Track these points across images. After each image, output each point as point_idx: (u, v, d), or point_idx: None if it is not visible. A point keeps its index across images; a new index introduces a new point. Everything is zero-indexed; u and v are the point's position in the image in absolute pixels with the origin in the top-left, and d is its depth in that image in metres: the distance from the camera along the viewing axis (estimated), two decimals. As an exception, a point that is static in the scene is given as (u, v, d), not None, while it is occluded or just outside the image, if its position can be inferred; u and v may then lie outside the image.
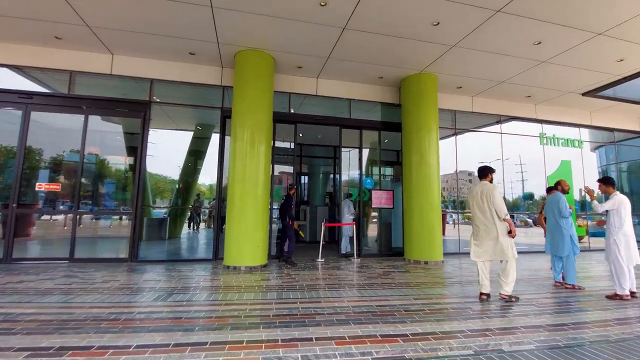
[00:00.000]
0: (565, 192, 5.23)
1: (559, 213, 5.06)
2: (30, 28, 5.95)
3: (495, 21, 5.42)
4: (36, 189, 6.76)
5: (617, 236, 4.44)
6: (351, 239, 8.23)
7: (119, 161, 8.43)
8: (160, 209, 9.43)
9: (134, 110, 7.07)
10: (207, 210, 9.80)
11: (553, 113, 9.96)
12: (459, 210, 9.93)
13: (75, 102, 6.84)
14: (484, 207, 4.37)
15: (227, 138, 7.32)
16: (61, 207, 7.01)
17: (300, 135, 12.09)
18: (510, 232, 4.25)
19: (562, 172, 10.10)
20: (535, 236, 11.86)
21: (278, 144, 8.07)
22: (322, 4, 5.03)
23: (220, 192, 7.26)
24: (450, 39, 6.06)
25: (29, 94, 6.65)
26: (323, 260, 7.28)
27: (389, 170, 9.57)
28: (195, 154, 9.33)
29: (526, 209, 11.82)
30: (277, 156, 8.44)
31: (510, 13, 5.20)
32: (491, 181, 4.57)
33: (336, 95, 8.09)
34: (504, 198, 10.27)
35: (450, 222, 9.96)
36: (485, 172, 4.57)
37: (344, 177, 10.09)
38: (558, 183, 5.33)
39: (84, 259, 6.53)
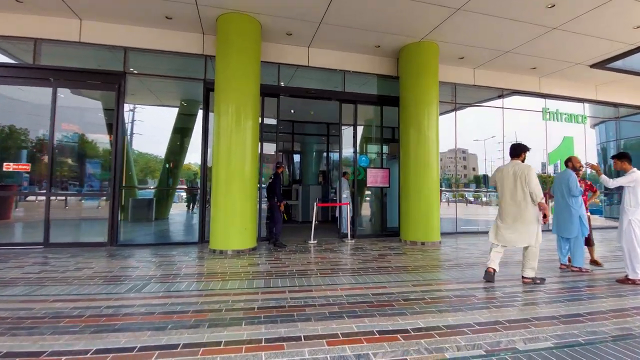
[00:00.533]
0: (576, 169, 4.86)
1: (569, 191, 4.70)
2: (-19, -14, 5.23)
3: (506, -22, 4.85)
4: (3, 169, 6.21)
5: (635, 217, 4.11)
6: (352, 219, 7.89)
7: (104, 140, 7.88)
8: (148, 190, 8.95)
9: (107, 82, 6.44)
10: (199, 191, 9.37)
11: (557, 87, 9.47)
12: (455, 190, 9.60)
13: (42, 73, 6.19)
14: (515, 189, 4.05)
15: (212, 115, 6.76)
16: (39, 189, 6.49)
17: (292, 111, 11.53)
18: (545, 216, 4.00)
19: (564, 148, 9.78)
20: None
21: (269, 120, 7.52)
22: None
23: (205, 172, 6.78)
24: (455, 1, 5.46)
25: (-13, 64, 5.98)
26: (315, 241, 6.94)
27: (384, 148, 9.13)
28: (182, 132, 8.75)
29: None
30: (270, 134, 7.92)
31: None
32: (524, 160, 4.22)
33: (329, 66, 7.49)
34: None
35: (444, 201, 9.65)
36: (518, 151, 4.23)
37: (338, 156, 9.63)
38: (569, 159, 4.94)
39: (60, 244, 6.10)
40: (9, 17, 6.00)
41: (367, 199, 9.23)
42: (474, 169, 11.83)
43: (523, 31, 6.48)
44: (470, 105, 8.91)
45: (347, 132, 8.01)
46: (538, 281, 4.12)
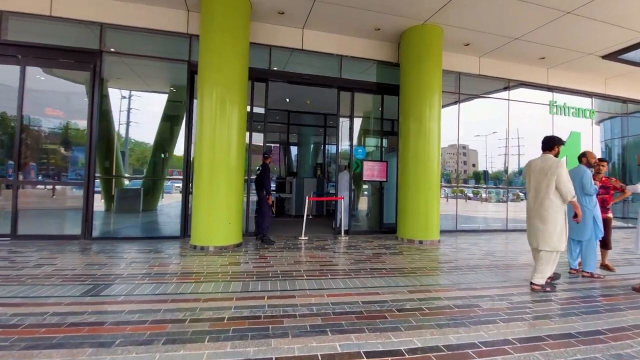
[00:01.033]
0: (591, 165, 4.41)
1: (582, 189, 4.26)
2: None
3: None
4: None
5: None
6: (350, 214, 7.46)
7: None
8: (136, 179, 8.48)
9: (82, 61, 5.92)
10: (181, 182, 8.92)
11: (566, 79, 8.99)
12: (455, 185, 9.16)
13: (8, 50, 5.65)
14: (541, 185, 3.70)
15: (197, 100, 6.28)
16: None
17: (288, 100, 11.02)
18: (575, 215, 3.65)
19: (571, 144, 9.33)
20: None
21: (262, 109, 7.02)
22: None
23: (188, 162, 6.31)
24: (463, -23, 4.96)
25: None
26: (307, 238, 6.50)
27: (384, 142, 8.68)
28: (172, 120, 8.25)
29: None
30: (265, 123, 7.42)
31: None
32: (557, 155, 3.84)
33: (325, 50, 6.97)
34: (502, 171, 9.58)
35: (443, 196, 9.22)
36: (551, 144, 3.82)
37: (334, 148, 9.17)
38: (583, 154, 4.49)
39: (29, 236, 5.64)
40: (-29, -13, 5.45)
41: (365, 193, 8.81)
42: (474, 165, 11.44)
43: (535, 15, 5.98)
44: (474, 96, 8.42)
45: (345, 124, 7.54)
46: (548, 289, 3.71)
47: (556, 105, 9.14)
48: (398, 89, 7.07)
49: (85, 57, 5.89)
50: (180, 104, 7.50)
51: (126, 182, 8.57)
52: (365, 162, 7.32)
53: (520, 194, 14.14)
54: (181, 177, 6.47)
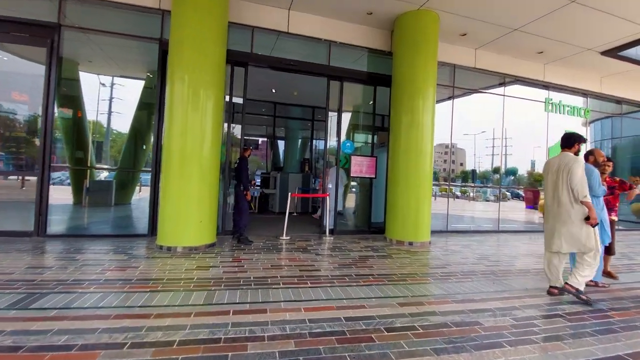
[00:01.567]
0: (598, 165, 4.04)
1: (589, 190, 3.87)
2: None
3: None
4: None
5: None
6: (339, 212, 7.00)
7: (63, 114, 6.76)
8: (103, 170, 7.83)
9: (37, 35, 5.23)
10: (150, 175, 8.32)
11: (562, 76, 8.68)
12: (447, 183, 8.81)
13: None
14: (557, 183, 3.52)
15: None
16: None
17: (274, 91, 10.45)
18: (587, 218, 3.32)
19: (566, 143, 9.07)
20: (528, 213, 11.04)
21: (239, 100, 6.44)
22: None
23: (158, 152, 5.71)
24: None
25: None
26: (288, 237, 6.00)
27: (375, 138, 8.25)
28: (148, 108, 7.60)
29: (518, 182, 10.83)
30: (252, 116, 6.86)
31: None
32: (577, 153, 3.61)
33: (313, 34, 6.43)
34: (494, 170, 9.26)
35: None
36: (571, 141, 3.59)
37: (323, 143, 8.66)
38: (591, 152, 4.11)
39: (-28, 232, 4.97)
40: None
41: (353, 190, 8.36)
42: (461, 164, 11.20)
43: (537, 2, 5.57)
44: (469, 90, 8.02)
45: (335, 118, 7.04)
46: (584, 298, 3.37)
47: (552, 103, 8.84)
48: (390, 79, 6.59)
49: (41, 32, 5.20)
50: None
51: (105, 173, 7.94)
52: (353, 157, 6.84)
53: (507, 193, 13.99)
54: (150, 169, 5.85)
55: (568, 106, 9.05)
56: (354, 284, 3.63)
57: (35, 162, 5.34)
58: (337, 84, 6.73)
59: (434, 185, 7.91)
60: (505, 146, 8.98)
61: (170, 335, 2.27)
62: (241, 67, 6.05)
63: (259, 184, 12.40)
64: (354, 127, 8.22)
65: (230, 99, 6.07)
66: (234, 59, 5.88)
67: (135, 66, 7.11)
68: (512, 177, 10.47)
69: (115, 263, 3.97)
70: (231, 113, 6.59)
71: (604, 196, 4.21)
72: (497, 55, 7.88)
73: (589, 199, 3.34)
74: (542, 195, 10.11)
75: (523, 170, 10.60)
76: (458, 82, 7.73)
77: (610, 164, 4.39)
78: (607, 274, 4.45)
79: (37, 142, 5.37)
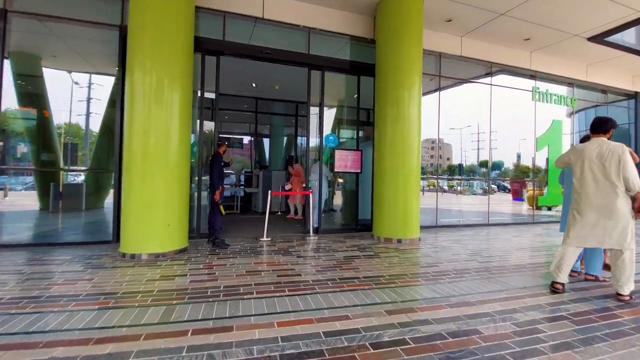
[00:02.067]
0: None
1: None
2: None
3: None
4: None
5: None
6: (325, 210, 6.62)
7: (28, 114, 6.20)
8: (75, 172, 7.25)
9: (-22, 21, 4.66)
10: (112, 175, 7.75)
11: (549, 64, 8.51)
12: (436, 177, 8.52)
13: None
14: (602, 173, 3.14)
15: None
16: None
17: (254, 85, 9.99)
18: (638, 210, 3.06)
19: (553, 132, 8.92)
20: (515, 205, 10.90)
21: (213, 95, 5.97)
22: None
23: (121, 150, 5.21)
24: None
25: None
26: (269, 239, 5.59)
27: (360, 133, 7.91)
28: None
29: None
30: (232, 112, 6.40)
31: None
32: (610, 139, 3.25)
33: (291, 20, 6.01)
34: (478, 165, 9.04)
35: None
36: (605, 126, 3.27)
37: (305, 138, 8.25)
38: (587, 137, 3.83)
39: None
40: None
41: (338, 186, 7.99)
42: (448, 158, 11.02)
43: (525, -16, 5.31)
44: (456, 80, 7.75)
45: (318, 112, 6.65)
46: (628, 298, 3.13)
47: (539, 92, 8.66)
48: (374, 68, 6.23)
49: (-18, 17, 4.64)
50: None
51: (83, 176, 7.37)
52: (337, 151, 6.47)
53: (493, 185, 13.88)
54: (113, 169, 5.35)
55: (555, 95, 8.90)
56: (338, 289, 3.26)
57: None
58: (318, 74, 6.34)
59: (422, 179, 7.61)
60: (491, 140, 8.78)
61: (108, 368, 1.85)
62: (213, 55, 5.58)
63: (242, 183, 11.93)
64: (338, 122, 7.84)
65: (202, 92, 5.61)
66: (205, 47, 5.42)
67: (104, 60, 6.56)
68: (498, 171, 10.31)
69: (66, 275, 3.49)
70: (206, 108, 6.13)
71: None
72: (483, 42, 7.63)
73: None
74: (529, 187, 9.97)
75: (509, 163, 10.45)
76: (444, 71, 7.44)
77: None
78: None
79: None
